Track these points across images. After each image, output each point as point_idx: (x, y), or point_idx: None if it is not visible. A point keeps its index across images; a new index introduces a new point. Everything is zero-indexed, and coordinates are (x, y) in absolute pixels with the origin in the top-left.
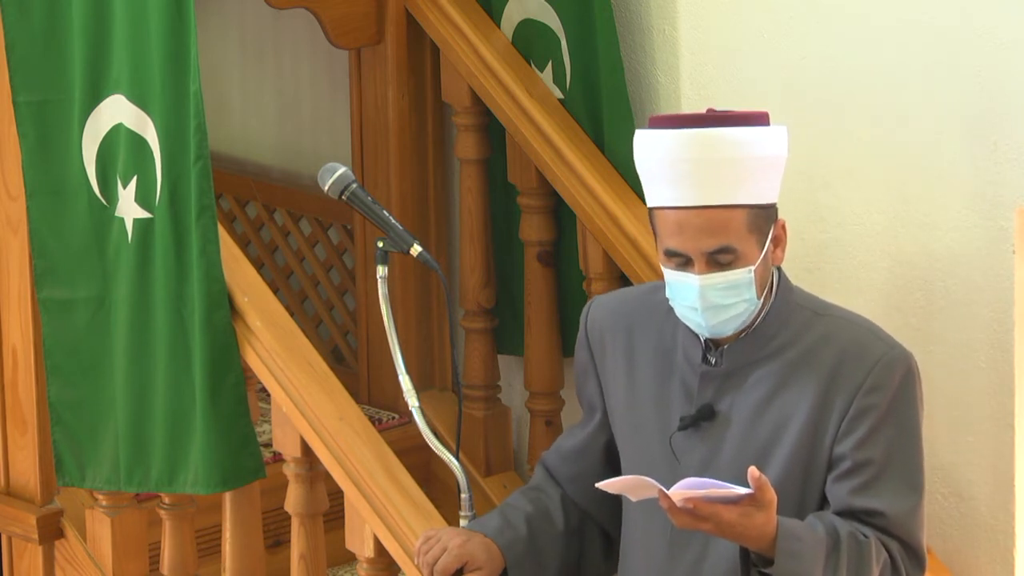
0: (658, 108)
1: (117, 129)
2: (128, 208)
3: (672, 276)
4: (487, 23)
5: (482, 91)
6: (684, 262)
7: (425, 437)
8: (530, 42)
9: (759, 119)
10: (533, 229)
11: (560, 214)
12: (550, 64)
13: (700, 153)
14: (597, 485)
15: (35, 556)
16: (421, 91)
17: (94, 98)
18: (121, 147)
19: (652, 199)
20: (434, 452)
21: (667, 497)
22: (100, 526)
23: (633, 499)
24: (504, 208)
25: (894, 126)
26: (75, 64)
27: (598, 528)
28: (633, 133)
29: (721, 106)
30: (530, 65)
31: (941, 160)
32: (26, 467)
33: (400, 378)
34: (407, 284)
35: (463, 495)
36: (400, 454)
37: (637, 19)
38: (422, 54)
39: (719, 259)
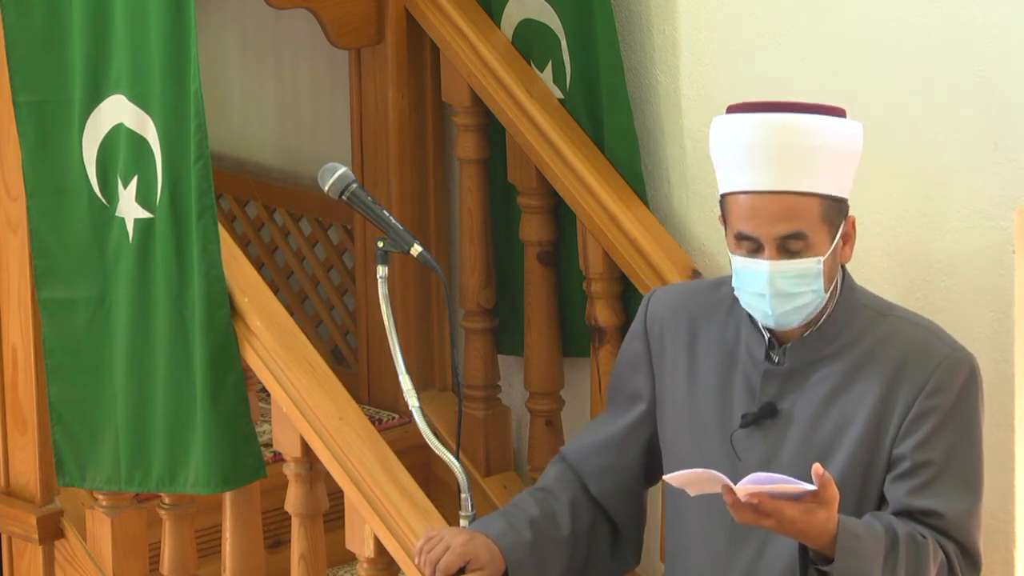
0: (658, 108)
1: (117, 129)
2: (128, 208)
3: (741, 263)
4: (487, 23)
5: (482, 91)
6: (755, 248)
7: (425, 437)
8: (530, 42)
9: (836, 112)
10: (533, 229)
11: (560, 214)
12: (550, 64)
13: (778, 138)
14: (665, 478)
15: (35, 556)
16: (421, 91)
17: (94, 98)
18: (121, 147)
19: (726, 185)
20: (434, 452)
21: (732, 492)
22: (100, 526)
23: (692, 493)
24: (504, 208)
25: (894, 126)
26: (75, 64)
27: (608, 528)
28: (633, 133)
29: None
30: (530, 65)
31: (941, 160)
32: (26, 467)
33: (400, 378)
34: (407, 284)
35: (463, 495)
36: (400, 454)
37: (637, 19)
38: (422, 54)
39: (790, 246)
